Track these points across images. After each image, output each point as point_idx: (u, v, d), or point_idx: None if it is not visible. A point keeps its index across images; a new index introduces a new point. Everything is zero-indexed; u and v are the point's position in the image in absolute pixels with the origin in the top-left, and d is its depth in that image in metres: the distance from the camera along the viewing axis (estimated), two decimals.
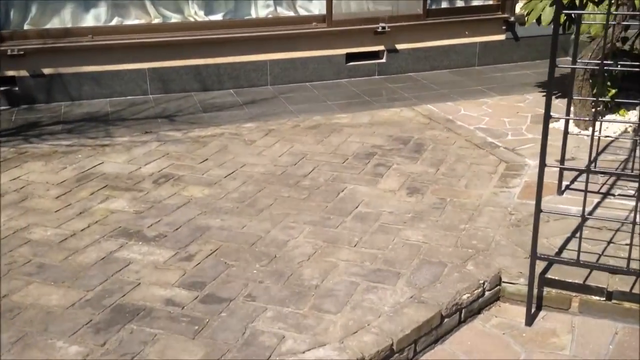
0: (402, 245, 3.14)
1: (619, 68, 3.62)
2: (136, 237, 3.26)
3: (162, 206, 3.63)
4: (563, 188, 3.66)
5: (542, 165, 2.60)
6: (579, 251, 2.61)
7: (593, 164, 3.96)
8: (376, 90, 6.11)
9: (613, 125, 4.71)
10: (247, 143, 4.71)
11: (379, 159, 4.31)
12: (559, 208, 3.41)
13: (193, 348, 2.36)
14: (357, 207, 3.59)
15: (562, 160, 3.56)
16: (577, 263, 2.57)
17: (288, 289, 2.78)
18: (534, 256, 2.60)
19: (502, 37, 6.83)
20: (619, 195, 3.55)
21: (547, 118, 2.56)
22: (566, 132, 3.53)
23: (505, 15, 6.73)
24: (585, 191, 2.66)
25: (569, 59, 7.26)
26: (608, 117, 4.89)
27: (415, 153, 4.39)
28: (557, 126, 4.81)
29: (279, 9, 6.38)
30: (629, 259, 2.54)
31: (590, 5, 4.66)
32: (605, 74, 4.82)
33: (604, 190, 3.65)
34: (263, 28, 6.22)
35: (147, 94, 5.94)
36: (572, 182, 3.77)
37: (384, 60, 6.59)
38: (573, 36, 6.70)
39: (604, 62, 2.75)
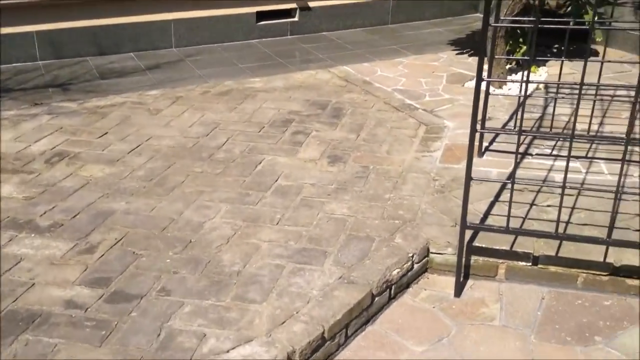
0: (327, 220, 2.97)
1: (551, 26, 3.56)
2: (27, 228, 2.89)
3: (57, 190, 3.26)
4: (483, 150, 3.62)
5: (473, 130, 2.47)
6: (508, 217, 2.54)
7: (515, 125, 3.94)
8: (290, 51, 5.84)
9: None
10: (152, 113, 4.34)
11: (297, 126, 4.09)
12: (482, 172, 3.35)
13: (100, 357, 2.10)
14: (277, 180, 3.38)
15: (483, 122, 3.49)
16: (506, 230, 2.51)
17: (207, 278, 2.55)
18: (463, 226, 2.51)
19: None
20: (537, 154, 3.54)
21: (479, 82, 2.42)
22: (487, 93, 3.46)
23: None
24: (517, 153, 2.57)
25: (479, 15, 7.29)
26: (519, 75, 4.90)
27: (334, 118, 4.20)
28: (471, 85, 4.77)
29: None
30: (557, 222, 2.49)
31: None
32: (517, 31, 4.81)
33: (521, 149, 3.63)
34: None
35: (35, 60, 5.36)
36: (491, 143, 3.73)
37: (296, 19, 6.30)
38: None
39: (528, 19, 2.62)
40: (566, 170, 2.50)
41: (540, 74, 4.98)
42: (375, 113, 4.28)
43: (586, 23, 4.85)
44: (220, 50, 5.86)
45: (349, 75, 5.09)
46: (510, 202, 2.53)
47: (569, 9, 4.85)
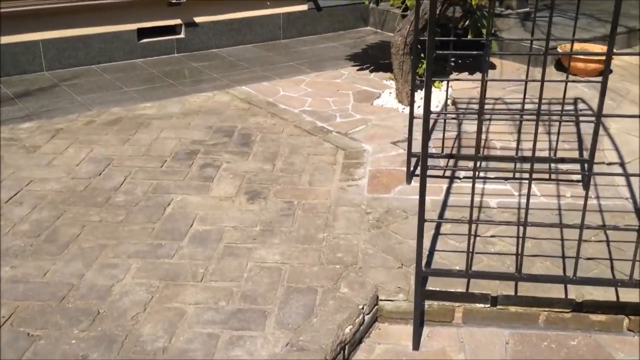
0: (258, 270, 2.61)
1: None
2: None
3: None
4: (409, 175, 3.43)
5: (425, 167, 2.24)
6: (468, 260, 2.32)
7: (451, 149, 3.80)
8: (179, 71, 5.37)
9: (433, 100, 4.65)
10: (29, 150, 3.72)
11: (203, 157, 3.67)
12: (413, 201, 3.15)
13: None
14: (192, 225, 2.95)
15: (410, 146, 3.30)
16: (466, 274, 2.30)
17: None
18: (419, 272, 2.27)
19: (304, 7, 6.48)
20: (465, 177, 3.42)
21: (427, 113, 2.19)
22: (411, 116, 3.27)
23: None
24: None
25: (370, 28, 7.24)
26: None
27: (244, 146, 3.83)
28: (379, 103, 4.62)
29: None
30: (518, 261, 2.31)
31: None
32: (419, 46, 4.72)
33: (448, 172, 3.49)
34: (29, 1, 5.04)
35: None
36: (416, 167, 3.56)
37: (182, 35, 5.83)
38: (372, 5, 6.59)
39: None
40: (527, 205, 2.32)
41: (444, 88, 4.93)
42: (287, 138, 3.97)
43: (485, 36, 4.90)
44: (99, 73, 5.25)
45: (250, 96, 4.73)
46: (469, 247, 2.31)
47: (467, 22, 4.85)
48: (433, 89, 4.91)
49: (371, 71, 5.37)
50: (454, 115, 4.31)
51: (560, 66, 5.26)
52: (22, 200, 3.14)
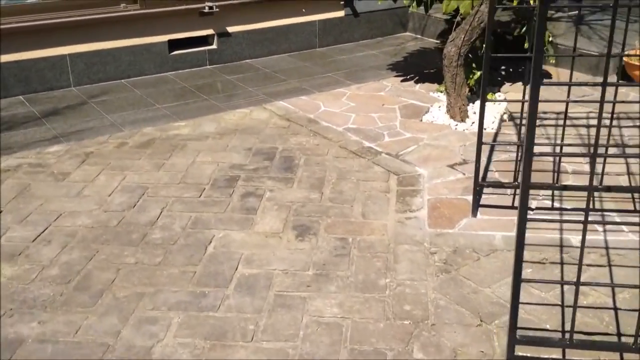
0: (316, 327, 2.29)
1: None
2: None
3: None
4: (475, 206, 3.08)
5: (524, 216, 1.90)
6: (564, 327, 1.98)
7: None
8: (212, 84, 5.08)
9: (488, 115, 4.29)
10: (57, 178, 3.46)
11: (244, 185, 3.38)
12: (484, 238, 2.81)
13: None
14: (237, 268, 2.65)
15: (477, 174, 2.95)
16: (570, 343, 1.95)
17: None
18: (512, 340, 1.93)
19: (341, 13, 6.15)
20: (537, 208, 3.06)
21: (480, 142, 1.85)
22: (480, 141, 2.91)
23: None
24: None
25: (409, 34, 6.89)
26: (477, 104, 4.46)
27: (287, 171, 3.53)
28: (429, 119, 4.27)
29: None
30: (637, 334, 1.93)
31: None
32: (470, 56, 4.36)
33: (517, 201, 3.14)
34: (55, 14, 4.80)
35: None
36: (480, 195, 3.21)
37: (215, 46, 5.55)
38: (411, 10, 6.24)
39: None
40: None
41: (497, 102, 4.57)
42: (333, 161, 3.65)
43: (545, 44, 4.53)
44: (130, 88, 4.99)
45: (289, 112, 4.43)
46: (575, 308, 1.94)
47: (523, 30, 4.48)
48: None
49: (416, 82, 5.02)
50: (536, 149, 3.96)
51: (625, 75, 4.85)
52: (51, 238, 2.87)
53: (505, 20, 5.41)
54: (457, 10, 4.17)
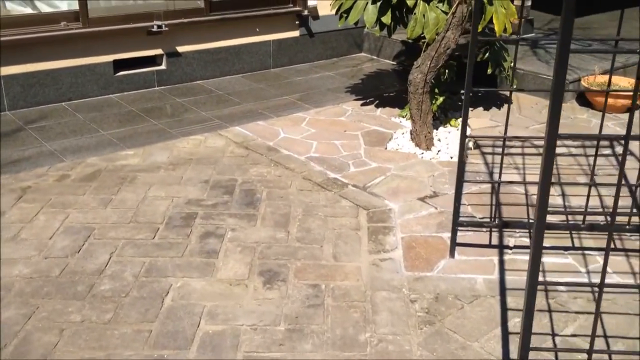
0: None
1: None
2: None
3: None
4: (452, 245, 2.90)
5: (534, 279, 1.71)
6: None
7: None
8: (162, 108, 4.77)
9: (453, 143, 4.16)
10: None
11: (203, 223, 3.09)
12: (465, 281, 2.63)
13: None
14: (199, 325, 2.37)
15: (457, 214, 2.77)
16: None
17: None
18: None
19: (296, 33, 5.95)
20: (515, 247, 2.91)
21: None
22: (460, 177, 2.74)
23: (298, 9, 5.85)
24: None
25: (365, 55, 6.75)
26: (441, 130, 4.34)
27: (249, 207, 3.27)
28: (394, 146, 4.10)
29: (10, 6, 4.59)
30: None
31: (421, 5, 3.99)
32: (433, 81, 4.23)
33: (493, 238, 2.98)
34: None
35: None
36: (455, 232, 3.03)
37: (164, 66, 5.24)
38: (366, 30, 6.11)
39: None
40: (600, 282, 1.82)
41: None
42: (298, 195, 3.42)
43: (506, 69, 4.46)
44: (71, 112, 4.62)
45: (247, 139, 4.17)
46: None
47: (487, 55, 4.39)
48: (449, 127, 4.43)
49: (376, 106, 4.86)
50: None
51: (583, 100, 4.84)
52: None
53: (463, 44, 5.35)
54: (422, 35, 4.04)
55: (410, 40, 4.22)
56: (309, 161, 3.85)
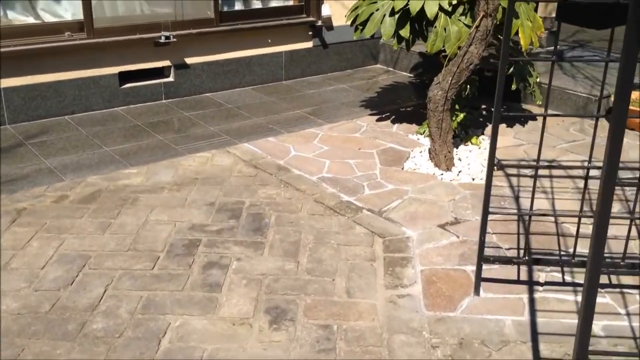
0: None
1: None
2: None
3: None
4: (477, 281, 2.65)
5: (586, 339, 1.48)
6: None
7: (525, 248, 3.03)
8: (169, 122, 4.58)
9: (475, 163, 3.92)
10: None
11: (206, 252, 2.88)
12: (492, 323, 2.39)
13: None
14: None
15: (482, 248, 2.52)
16: None
17: None
18: None
19: (309, 44, 5.75)
20: (546, 283, 2.66)
21: (486, 212, 1.44)
22: (486, 212, 2.50)
23: (312, 19, 5.65)
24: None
25: (381, 66, 6.54)
26: (462, 149, 4.10)
27: (257, 233, 3.05)
28: (411, 166, 3.87)
29: (11, 15, 4.43)
30: None
31: (442, 18, 3.76)
32: (453, 97, 3.99)
33: (523, 274, 2.74)
34: None
35: None
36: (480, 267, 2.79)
37: (171, 78, 5.05)
38: (382, 41, 5.89)
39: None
40: None
41: (485, 145, 4.21)
42: (309, 220, 3.19)
43: (531, 84, 4.21)
44: (74, 126, 4.44)
45: (256, 157, 3.96)
46: None
47: (511, 70, 4.15)
48: (470, 145, 4.19)
49: (392, 122, 4.63)
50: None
51: None
52: None
53: (484, 56, 5.11)
54: (444, 50, 3.80)
55: (429, 54, 3.99)
56: (321, 182, 3.62)
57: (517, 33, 3.83)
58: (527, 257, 2.46)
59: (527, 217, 2.72)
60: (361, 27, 4.06)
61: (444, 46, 3.75)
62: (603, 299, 2.54)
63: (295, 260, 2.83)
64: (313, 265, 2.80)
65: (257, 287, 2.62)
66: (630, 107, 4.36)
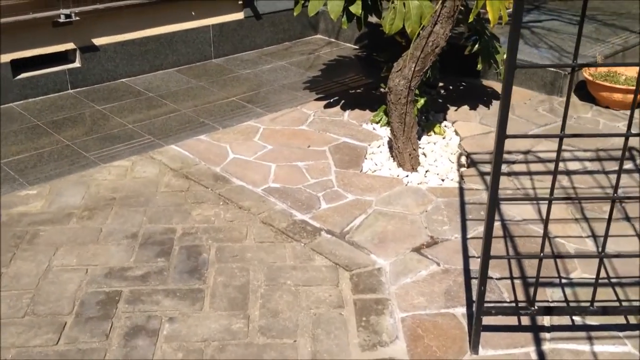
0: None
1: None
2: None
3: None
4: (473, 333, 2.16)
5: None
6: None
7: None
8: (77, 119, 3.81)
9: (442, 159, 3.41)
10: None
11: (129, 311, 2.25)
12: None
13: None
14: None
15: (482, 300, 2.01)
16: None
17: None
18: None
19: (240, 15, 5.01)
20: (553, 328, 2.19)
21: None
22: (488, 253, 1.97)
23: None
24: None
25: (321, 37, 5.87)
26: (424, 141, 3.58)
27: (193, 277, 2.43)
28: (372, 167, 3.32)
29: None
30: None
31: None
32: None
33: (525, 319, 2.25)
34: None
35: None
36: (474, 327, 2.29)
37: (77, 64, 4.24)
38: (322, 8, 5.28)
39: None
40: None
41: (449, 135, 3.70)
42: (257, 251, 2.60)
43: (498, 63, 3.70)
44: None
45: (186, 163, 3.30)
46: None
47: (476, 46, 3.62)
48: (434, 136, 3.67)
49: (343, 107, 4.04)
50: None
51: (584, 94, 4.16)
52: None
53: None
54: (404, 31, 3.21)
55: (387, 35, 3.39)
56: (267, 195, 3.02)
57: (484, 6, 3.28)
58: (534, 308, 1.98)
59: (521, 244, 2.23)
60: (304, 2, 3.41)
61: (403, 26, 3.16)
62: (623, 347, 2.11)
63: (244, 315, 2.24)
64: (267, 320, 2.22)
65: None
66: (601, 82, 3.95)
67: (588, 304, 2.00)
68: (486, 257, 1.90)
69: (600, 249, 2.52)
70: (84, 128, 3.70)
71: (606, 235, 1.94)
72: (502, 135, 1.68)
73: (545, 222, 1.91)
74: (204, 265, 2.50)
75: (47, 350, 2.06)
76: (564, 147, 3.53)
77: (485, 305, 2.00)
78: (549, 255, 2.39)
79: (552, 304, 2.23)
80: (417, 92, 3.69)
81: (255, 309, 2.27)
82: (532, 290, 2.35)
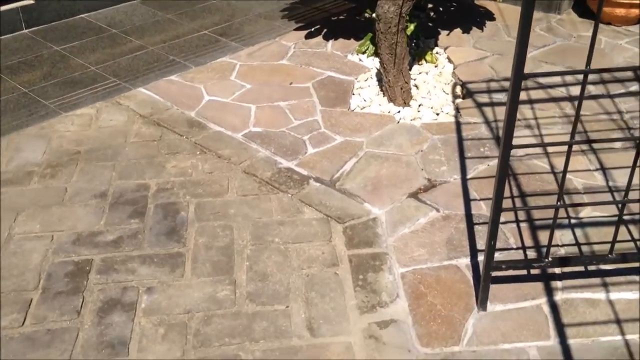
0: None
1: None
2: None
3: None
4: (483, 289, 1.98)
5: None
6: None
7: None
8: (33, 63, 3.46)
9: (435, 90, 3.14)
10: None
11: (102, 282, 2.03)
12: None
13: None
14: None
15: (491, 257, 1.81)
16: None
17: None
18: None
19: None
20: (565, 276, 2.02)
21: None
22: (498, 211, 1.76)
23: None
24: None
25: None
26: (415, 71, 3.30)
27: (172, 239, 2.21)
28: (360, 104, 3.07)
29: None
30: None
31: None
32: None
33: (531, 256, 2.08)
34: None
35: None
36: (487, 279, 2.10)
37: (31, 0, 3.83)
38: None
39: None
40: None
41: (441, 63, 3.41)
42: (241, 206, 2.37)
43: None
44: None
45: (157, 108, 3.00)
46: None
47: None
48: (425, 65, 3.39)
49: (325, 37, 3.71)
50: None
51: (583, 9, 3.85)
52: None
53: None
54: None
55: None
56: (248, 142, 2.76)
57: None
58: (548, 260, 1.79)
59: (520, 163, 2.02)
60: None
61: None
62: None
63: (230, 280, 2.04)
64: (256, 285, 2.02)
65: (181, 339, 1.84)
66: None
67: (605, 251, 1.81)
68: (497, 209, 1.69)
69: (609, 183, 2.33)
70: (41, 72, 3.36)
71: (629, 185, 1.73)
72: (519, 75, 1.43)
73: (564, 171, 1.69)
74: (182, 225, 2.27)
75: (12, 332, 1.86)
76: (563, 69, 3.30)
77: (495, 260, 1.81)
78: (564, 205, 2.18)
79: (566, 255, 2.05)
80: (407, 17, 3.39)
81: (242, 272, 2.07)
82: (539, 234, 2.17)
